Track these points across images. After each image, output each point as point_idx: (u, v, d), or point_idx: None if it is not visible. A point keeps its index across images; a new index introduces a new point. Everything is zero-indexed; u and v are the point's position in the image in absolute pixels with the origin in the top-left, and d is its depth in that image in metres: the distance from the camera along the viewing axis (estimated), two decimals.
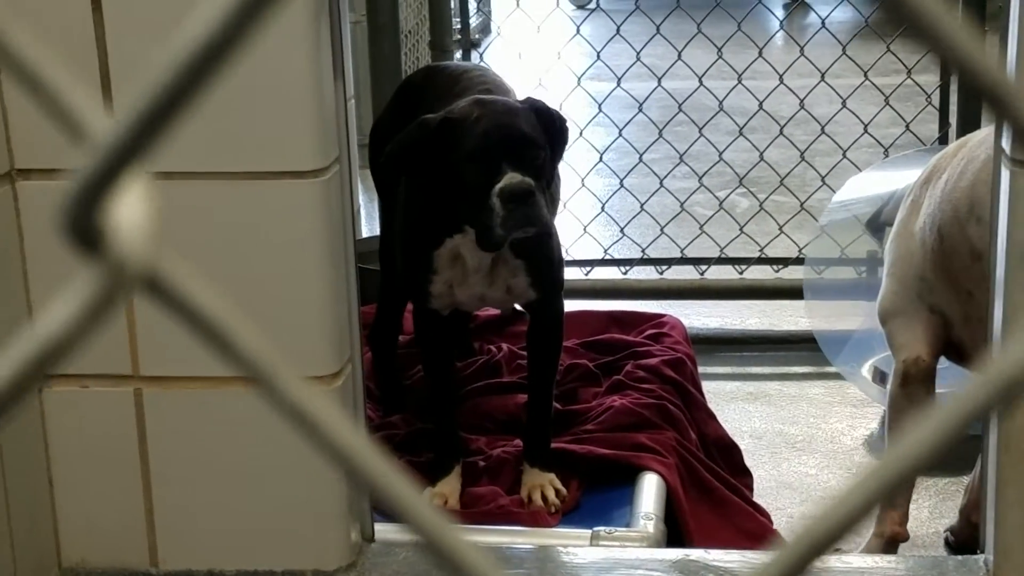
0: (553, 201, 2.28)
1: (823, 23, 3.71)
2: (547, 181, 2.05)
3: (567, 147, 2.18)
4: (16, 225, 1.66)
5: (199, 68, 0.36)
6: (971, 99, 3.46)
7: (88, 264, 0.36)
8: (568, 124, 2.16)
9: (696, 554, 1.89)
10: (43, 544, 1.73)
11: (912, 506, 2.31)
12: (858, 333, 2.94)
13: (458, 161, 1.98)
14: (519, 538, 1.99)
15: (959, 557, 1.89)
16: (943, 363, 2.26)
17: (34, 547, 1.72)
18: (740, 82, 3.65)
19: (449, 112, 2.03)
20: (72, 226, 0.36)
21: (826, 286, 3.19)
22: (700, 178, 3.73)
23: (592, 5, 3.94)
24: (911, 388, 2.20)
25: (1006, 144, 1.65)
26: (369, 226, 3.93)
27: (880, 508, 2.26)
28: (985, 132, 2.19)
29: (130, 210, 0.36)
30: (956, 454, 2.68)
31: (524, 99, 2.12)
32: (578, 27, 3.69)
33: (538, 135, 2.01)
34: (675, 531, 2.13)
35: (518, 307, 2.39)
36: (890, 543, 2.23)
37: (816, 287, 3.19)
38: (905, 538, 2.24)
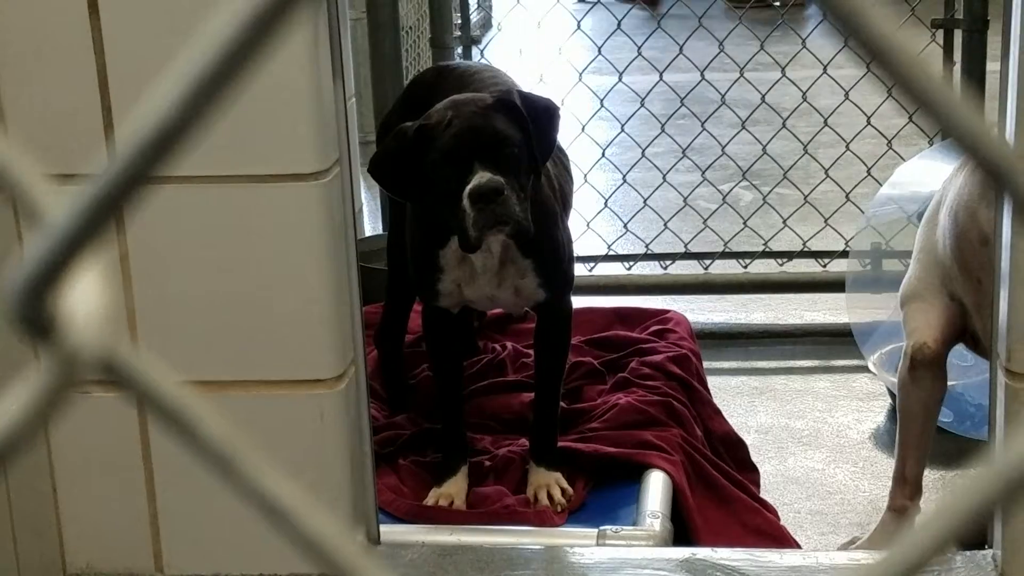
0: (565, 201, 2.27)
1: (824, 15, 3.68)
2: (531, 173, 2.03)
3: (557, 130, 2.14)
4: (16, 234, 1.65)
5: (152, 155, 0.35)
6: (975, 90, 3.45)
7: (41, 353, 0.35)
8: (559, 107, 2.13)
9: (703, 553, 1.88)
10: (48, 550, 1.73)
11: (920, 501, 2.30)
12: (884, 324, 2.93)
13: (431, 165, 1.97)
14: (525, 538, 1.98)
15: (966, 552, 1.89)
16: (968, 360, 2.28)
17: (39, 553, 1.71)
18: (742, 75, 3.64)
19: (426, 118, 2.02)
20: (24, 314, 0.35)
21: (870, 279, 3.18)
22: (703, 172, 3.72)
23: None
24: (918, 373, 2.23)
25: (1010, 140, 1.64)
26: (372, 224, 3.92)
27: (892, 484, 2.27)
28: None
29: (84, 297, 0.36)
30: (961, 448, 2.66)
31: (501, 92, 2.08)
32: (579, 22, 3.68)
33: (512, 130, 1.99)
34: (682, 528, 2.12)
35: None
36: (901, 517, 2.24)
37: (861, 280, 3.18)
38: (917, 513, 2.25)
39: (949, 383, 2.29)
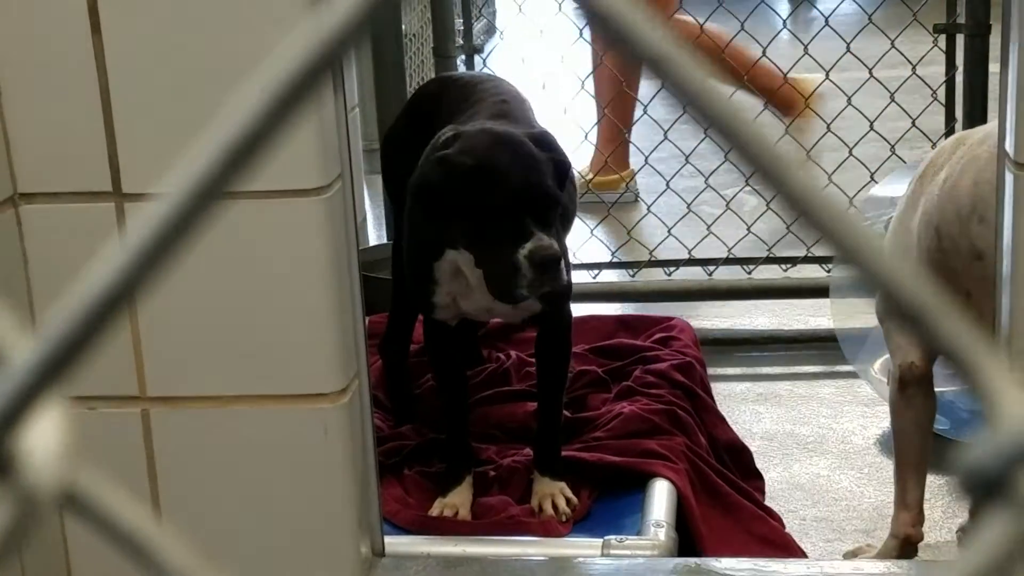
0: (566, 212, 2.27)
1: (827, 20, 3.70)
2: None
3: (569, 181, 2.17)
4: (20, 249, 1.66)
5: (117, 296, 0.35)
6: (976, 93, 3.45)
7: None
8: (569, 163, 2.14)
9: (707, 563, 1.88)
10: (54, 566, 1.74)
11: (924, 506, 2.30)
12: (876, 331, 2.92)
13: (485, 215, 1.96)
14: (530, 548, 1.99)
15: None
16: None
17: (45, 568, 1.72)
18: (744, 80, 3.64)
19: (470, 154, 1.98)
20: None
21: (847, 285, 3.17)
22: (707, 178, 3.72)
23: None
24: (908, 392, 2.20)
25: (1010, 147, 1.64)
26: (377, 233, 3.93)
27: (894, 509, 2.26)
28: (986, 130, 2.18)
29: (44, 434, 0.36)
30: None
31: (538, 135, 2.07)
32: (581, 30, 3.68)
33: (558, 190, 2.01)
34: (686, 537, 2.13)
35: None
36: (905, 545, 2.23)
37: (841, 285, 3.17)
38: (919, 539, 2.24)
39: (937, 391, 2.26)
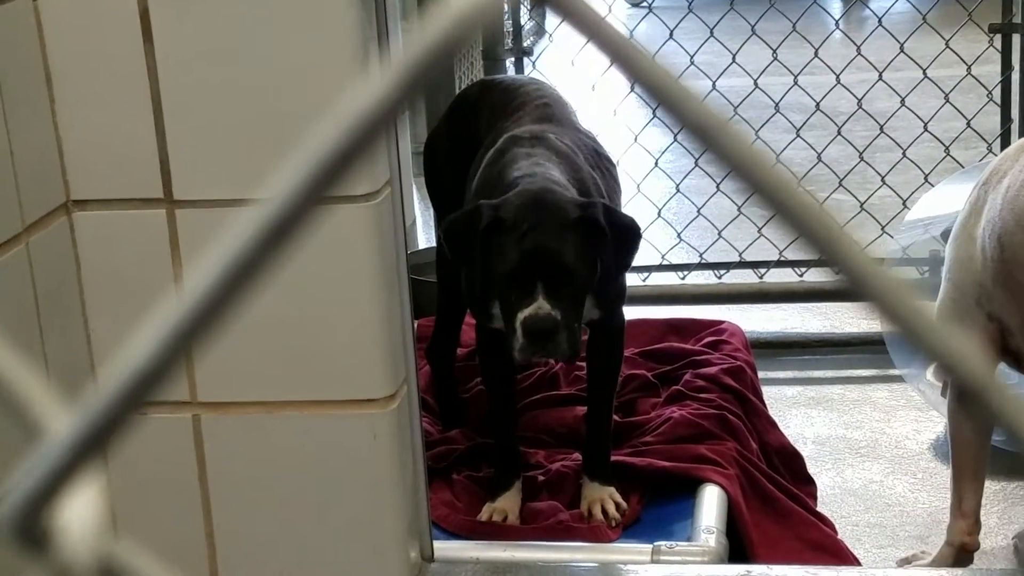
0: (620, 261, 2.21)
1: (880, 20, 3.66)
2: (600, 292, 2.03)
3: (636, 252, 2.10)
4: (73, 256, 1.68)
5: (149, 381, 0.35)
6: None
7: (36, 565, 0.35)
8: (640, 230, 2.07)
9: (758, 569, 1.87)
10: None
11: (980, 512, 2.27)
12: None
13: (496, 270, 1.97)
14: (579, 554, 1.98)
15: None
16: None
17: None
18: (796, 83, 3.61)
19: (504, 208, 1.98)
20: (19, 527, 0.36)
21: (926, 287, 3.13)
22: None
23: (647, 3, 3.91)
24: (967, 402, 2.16)
25: None
26: (426, 236, 3.93)
27: (950, 517, 2.23)
28: None
29: (81, 509, 0.36)
30: (1016, 463, 2.62)
31: (586, 210, 1.99)
32: (631, 31, 3.67)
33: (581, 262, 1.95)
34: (737, 544, 2.11)
35: None
36: (961, 553, 2.20)
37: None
38: (975, 547, 2.21)
39: None
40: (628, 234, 2.03)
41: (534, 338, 1.92)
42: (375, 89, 0.34)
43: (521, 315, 1.92)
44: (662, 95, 0.34)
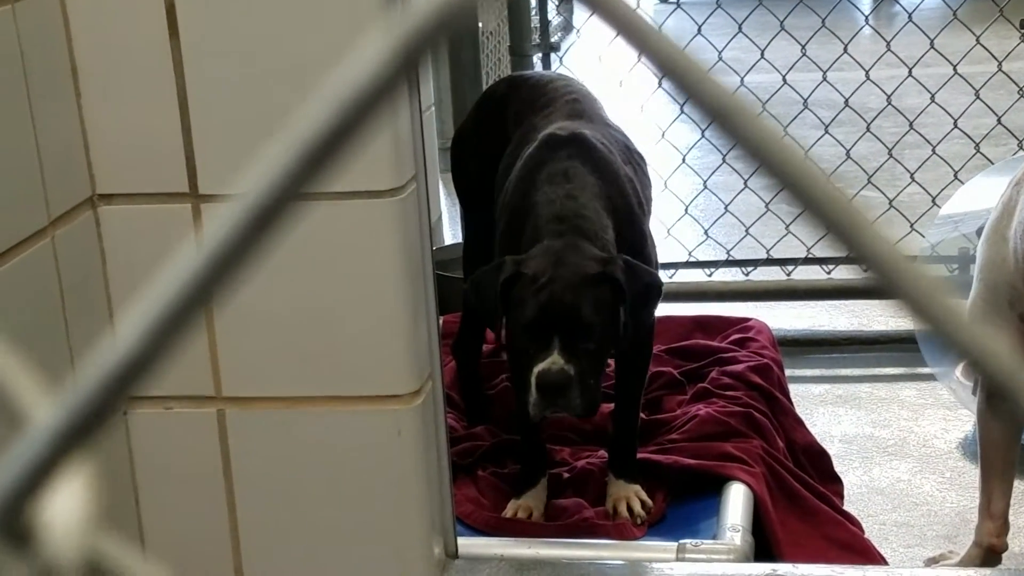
0: (645, 208, 2.23)
1: (910, 16, 3.63)
2: (619, 344, 2.03)
3: (655, 307, 2.10)
4: (99, 250, 1.68)
5: (133, 371, 0.34)
6: None
7: (19, 563, 0.34)
8: (661, 285, 2.06)
9: (784, 568, 1.86)
10: None
11: (1009, 513, 2.25)
12: None
13: (514, 324, 1.98)
14: (604, 552, 1.97)
15: None
16: None
17: None
18: (825, 79, 3.59)
19: (525, 264, 1.98)
20: (0, 523, 0.34)
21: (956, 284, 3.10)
22: None
23: None
24: (995, 402, 2.15)
25: None
26: (453, 231, 3.93)
27: (978, 518, 2.21)
28: None
29: (66, 503, 0.35)
30: None
31: (608, 260, 1.98)
32: (660, 26, 3.65)
33: (599, 317, 1.94)
34: (763, 542, 2.10)
35: None
36: (989, 554, 2.18)
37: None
38: (1003, 549, 2.19)
39: None
40: (647, 290, 2.03)
41: (546, 393, 1.92)
42: (362, 71, 0.33)
43: (536, 369, 1.92)
44: (683, 79, 0.33)
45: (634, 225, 2.14)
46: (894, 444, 2.82)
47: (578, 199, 2.06)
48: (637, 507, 2.12)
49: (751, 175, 3.64)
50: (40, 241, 1.55)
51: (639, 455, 2.20)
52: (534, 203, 2.08)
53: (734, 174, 3.68)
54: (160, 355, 0.34)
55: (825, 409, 2.99)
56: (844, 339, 3.36)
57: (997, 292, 2.12)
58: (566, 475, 2.24)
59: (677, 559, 1.93)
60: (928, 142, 3.60)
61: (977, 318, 2.12)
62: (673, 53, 0.34)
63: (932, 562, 2.30)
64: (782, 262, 3.51)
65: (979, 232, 2.28)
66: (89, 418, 0.34)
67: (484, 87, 3.68)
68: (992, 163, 3.27)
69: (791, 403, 2.56)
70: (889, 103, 3.59)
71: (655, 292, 2.05)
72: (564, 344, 1.93)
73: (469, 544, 1.91)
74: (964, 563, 2.20)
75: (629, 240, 2.10)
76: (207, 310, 1.68)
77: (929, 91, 3.59)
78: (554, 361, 1.92)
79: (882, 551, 2.28)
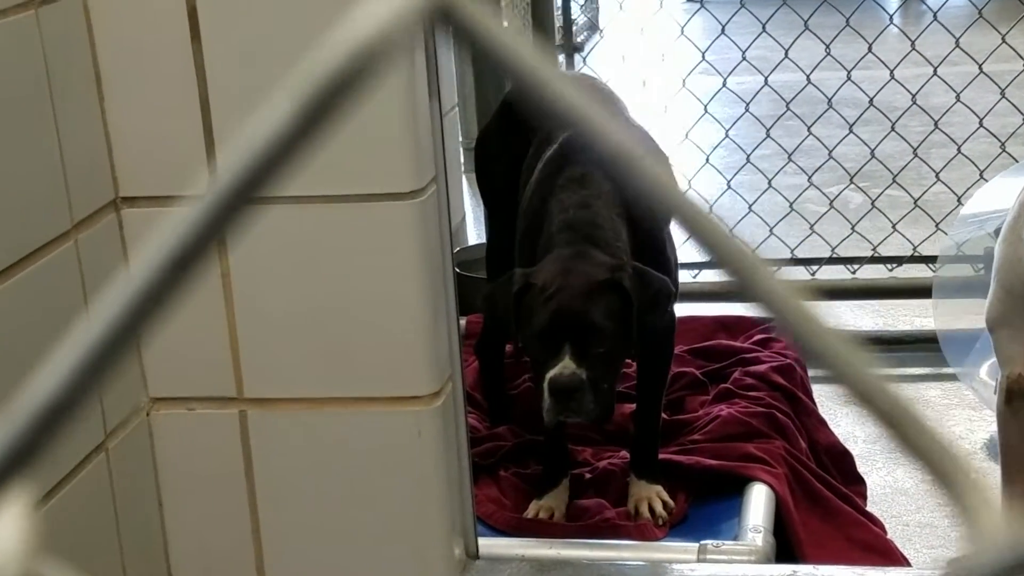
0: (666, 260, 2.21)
1: (935, 15, 3.61)
2: (633, 348, 2.04)
3: (665, 313, 2.10)
4: (123, 253, 1.69)
5: (80, 386, 0.34)
6: None
7: None
8: (672, 291, 2.06)
9: (805, 569, 1.86)
10: (154, 565, 1.77)
11: None
12: (984, 334, 2.84)
13: (525, 334, 2.00)
14: (625, 553, 1.97)
15: None
16: None
17: (146, 568, 1.75)
18: (849, 78, 3.58)
19: (535, 275, 2.00)
20: None
21: (954, 285, 3.09)
22: (810, 176, 3.67)
23: None
24: (1016, 404, 2.13)
25: None
26: (477, 232, 3.94)
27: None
28: None
29: (3, 529, 0.35)
30: None
31: (617, 267, 2.00)
32: (683, 28, 3.65)
33: (609, 320, 1.96)
34: (784, 543, 2.09)
35: None
36: None
37: (945, 285, 3.08)
38: None
39: None
40: (656, 297, 2.03)
41: (559, 398, 1.94)
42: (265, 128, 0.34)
43: (548, 375, 1.94)
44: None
45: (651, 230, 2.14)
46: None
47: (591, 207, 2.07)
48: (659, 508, 2.13)
49: (775, 175, 3.64)
50: (64, 244, 1.57)
51: (661, 456, 2.21)
52: (549, 210, 2.10)
53: (758, 174, 3.67)
54: (111, 365, 0.34)
55: (849, 409, 2.98)
56: (869, 339, 3.35)
57: (1014, 294, 2.11)
58: (588, 475, 2.24)
59: (698, 560, 1.93)
60: (953, 141, 3.59)
61: (994, 319, 2.11)
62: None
63: (955, 563, 2.29)
64: (807, 262, 3.50)
65: (997, 232, 2.27)
66: (32, 440, 0.34)
67: (507, 88, 3.69)
68: (1017, 161, 3.25)
69: (814, 403, 2.56)
70: (914, 102, 3.57)
71: (664, 299, 2.06)
72: (575, 350, 1.94)
73: (490, 544, 1.92)
74: None
75: (646, 245, 2.11)
76: (228, 312, 1.69)
77: (955, 90, 3.57)
78: (565, 366, 1.93)
79: (906, 552, 2.28)
